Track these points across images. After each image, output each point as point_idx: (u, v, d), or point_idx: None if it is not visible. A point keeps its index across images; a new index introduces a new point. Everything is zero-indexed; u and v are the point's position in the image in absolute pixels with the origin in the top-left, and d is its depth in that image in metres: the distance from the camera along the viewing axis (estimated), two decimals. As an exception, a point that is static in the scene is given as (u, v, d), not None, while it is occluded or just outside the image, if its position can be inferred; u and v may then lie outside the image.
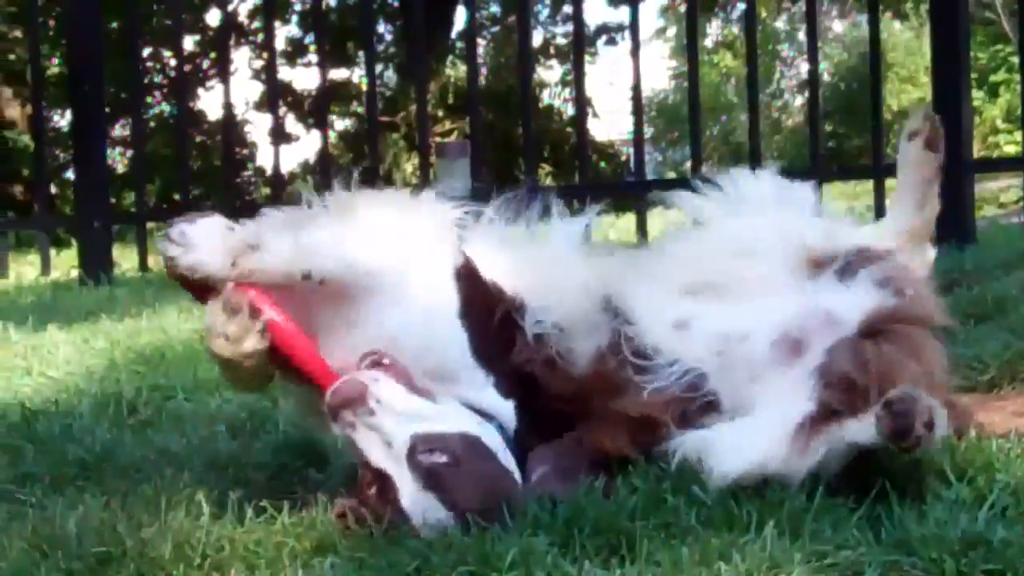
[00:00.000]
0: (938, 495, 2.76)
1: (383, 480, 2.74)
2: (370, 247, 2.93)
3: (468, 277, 3.02)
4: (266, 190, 22.17)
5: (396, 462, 2.74)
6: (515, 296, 3.06)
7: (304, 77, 25.10)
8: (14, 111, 20.62)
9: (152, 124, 22.70)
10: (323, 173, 9.79)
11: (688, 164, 26.83)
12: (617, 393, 3.02)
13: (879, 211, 7.54)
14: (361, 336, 2.92)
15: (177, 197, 18.23)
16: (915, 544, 2.49)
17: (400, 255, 2.96)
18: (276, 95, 10.55)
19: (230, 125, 9.86)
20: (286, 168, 25.35)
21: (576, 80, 8.52)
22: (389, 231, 2.98)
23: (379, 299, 2.91)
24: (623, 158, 24.89)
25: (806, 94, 27.35)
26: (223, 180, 10.71)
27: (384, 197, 3.09)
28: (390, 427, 2.74)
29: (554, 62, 26.79)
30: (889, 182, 8.04)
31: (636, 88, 8.14)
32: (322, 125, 9.82)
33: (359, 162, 22.04)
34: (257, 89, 23.98)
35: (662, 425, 2.96)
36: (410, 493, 2.71)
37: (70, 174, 19.81)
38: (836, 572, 2.44)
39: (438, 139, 20.93)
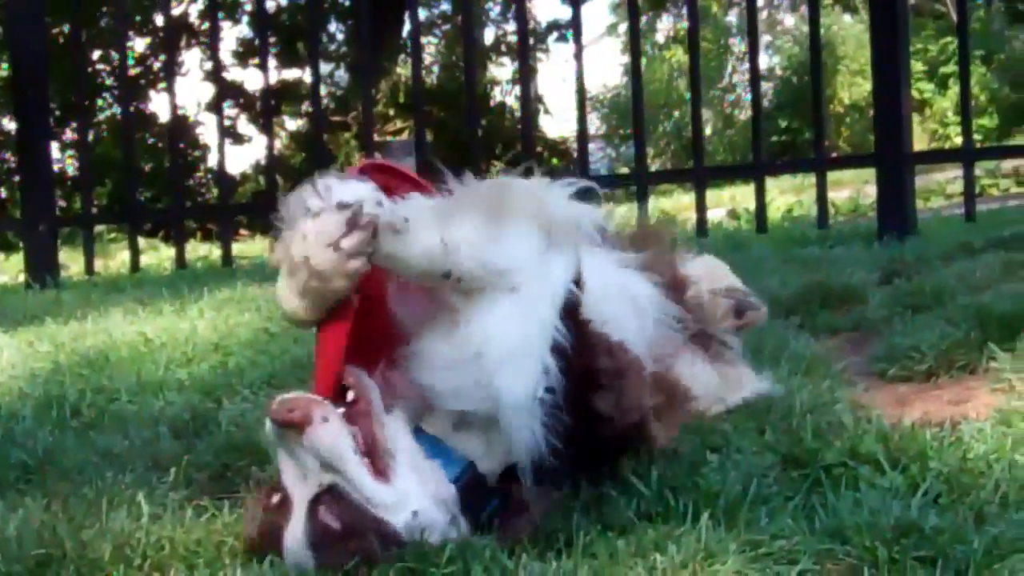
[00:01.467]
0: (872, 484, 2.78)
1: (285, 502, 2.65)
2: (509, 248, 2.74)
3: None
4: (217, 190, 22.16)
5: (300, 498, 2.63)
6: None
7: (256, 78, 25.00)
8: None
9: (104, 126, 22.63)
10: (270, 174, 9.76)
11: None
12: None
13: (821, 202, 7.59)
14: (459, 334, 2.74)
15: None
16: (848, 532, 2.51)
17: (531, 259, 2.77)
18: (223, 96, 10.51)
19: (179, 126, 9.83)
20: (239, 169, 25.45)
21: (522, 76, 8.54)
22: (528, 232, 2.78)
23: (489, 300, 2.73)
24: (575, 154, 24.95)
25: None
26: (172, 182, 10.66)
27: (526, 190, 2.83)
28: (311, 464, 2.62)
29: (506, 59, 26.82)
30: (832, 175, 8.11)
31: (579, 80, 8.16)
32: (268, 126, 9.77)
33: (311, 162, 22.02)
34: (209, 90, 23.95)
35: None
36: (294, 534, 2.60)
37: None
38: (771, 561, 2.45)
39: (389, 138, 20.94)
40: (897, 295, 4.79)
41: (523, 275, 2.73)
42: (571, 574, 2.43)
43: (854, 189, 10.72)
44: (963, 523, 2.53)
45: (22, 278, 9.19)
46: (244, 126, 24.52)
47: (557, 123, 26.57)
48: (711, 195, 8.39)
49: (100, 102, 22.96)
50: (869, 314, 4.58)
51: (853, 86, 28.35)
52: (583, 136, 8.32)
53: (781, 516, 2.63)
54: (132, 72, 21.69)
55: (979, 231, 6.36)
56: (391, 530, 2.58)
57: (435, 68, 27.14)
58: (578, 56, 8.19)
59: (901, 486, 2.76)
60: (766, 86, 28.67)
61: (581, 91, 8.24)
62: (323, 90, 21.91)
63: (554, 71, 37.23)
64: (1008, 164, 14.36)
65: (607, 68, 35.65)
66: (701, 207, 7.90)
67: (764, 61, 29.41)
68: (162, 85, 22.95)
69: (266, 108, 10.53)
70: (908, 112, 7.13)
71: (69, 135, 21.03)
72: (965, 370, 3.81)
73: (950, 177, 11.85)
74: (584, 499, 2.81)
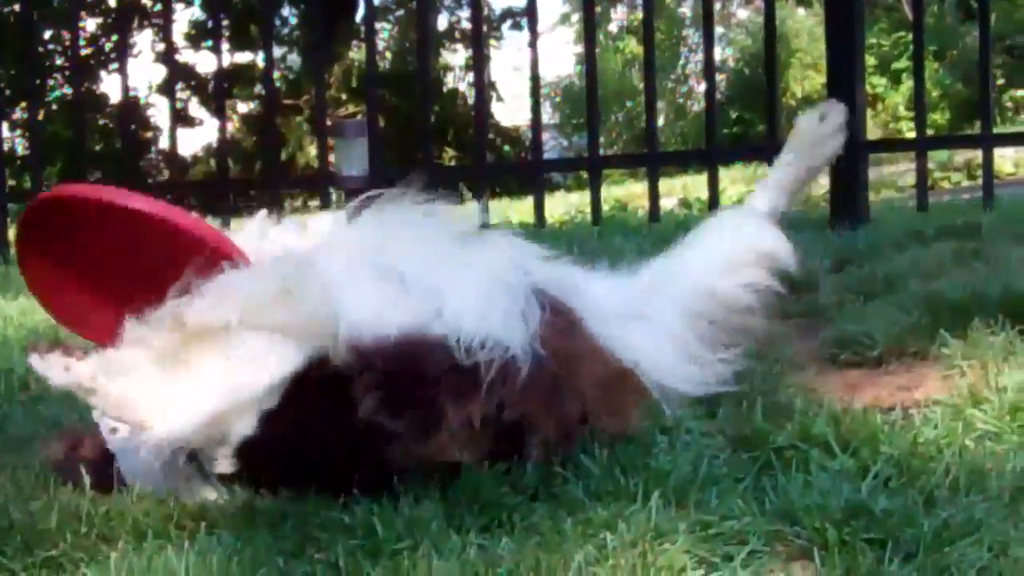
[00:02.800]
0: (823, 466, 2.79)
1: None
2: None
3: None
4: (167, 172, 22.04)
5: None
6: None
7: (207, 60, 24.91)
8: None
9: (54, 107, 22.49)
10: (222, 157, 9.73)
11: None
12: None
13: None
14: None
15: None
16: (799, 513, 2.51)
17: None
18: (175, 78, 10.43)
19: (130, 107, 9.77)
20: (189, 152, 25.37)
21: (475, 63, 8.52)
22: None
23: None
24: (527, 142, 24.97)
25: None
26: (123, 162, 10.60)
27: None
28: None
29: (459, 46, 26.80)
30: (785, 163, 8.13)
31: (534, 64, 8.17)
32: (221, 108, 9.72)
33: (262, 145, 21.94)
34: (161, 72, 23.78)
35: None
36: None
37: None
38: (721, 542, 2.45)
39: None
40: (849, 282, 4.80)
41: None
42: (517, 552, 2.43)
43: (806, 179, 10.75)
44: (913, 506, 2.54)
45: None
46: (195, 109, 24.43)
47: (509, 111, 26.57)
48: (663, 184, 8.39)
49: (51, 82, 22.82)
50: (821, 300, 4.59)
51: (806, 79, 28.52)
52: (537, 122, 8.30)
53: (731, 497, 2.64)
54: (83, 53, 21.62)
55: (931, 221, 6.38)
56: None
57: (388, 54, 27.12)
58: (533, 44, 8.18)
59: (851, 469, 2.77)
60: (719, 78, 28.75)
61: (535, 77, 8.23)
62: (275, 74, 21.93)
63: (507, 59, 37.14)
64: (960, 158, 14.46)
65: (560, 57, 35.65)
66: (654, 193, 7.88)
67: (717, 53, 29.45)
68: (113, 66, 22.88)
69: (219, 90, 10.47)
70: (863, 101, 7.15)
71: (18, 114, 20.86)
72: (916, 356, 3.81)
73: (901, 170, 11.93)
74: (531, 476, 2.81)
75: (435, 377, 2.79)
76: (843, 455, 2.85)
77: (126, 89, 9.30)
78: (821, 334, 4.13)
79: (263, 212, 3.21)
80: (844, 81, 7.00)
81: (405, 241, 3.07)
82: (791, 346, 3.96)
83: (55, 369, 2.75)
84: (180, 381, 2.72)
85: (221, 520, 2.71)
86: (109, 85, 24.12)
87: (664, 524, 2.48)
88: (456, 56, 27.12)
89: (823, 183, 10.41)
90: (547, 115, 31.17)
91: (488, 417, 2.80)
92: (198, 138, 25.73)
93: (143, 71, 27.96)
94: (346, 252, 3.05)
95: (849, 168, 6.97)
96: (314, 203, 18.25)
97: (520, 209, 11.18)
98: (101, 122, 22.77)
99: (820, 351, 3.98)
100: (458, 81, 26.90)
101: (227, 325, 2.72)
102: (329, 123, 9.50)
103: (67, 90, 22.92)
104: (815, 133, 3.71)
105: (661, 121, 29.76)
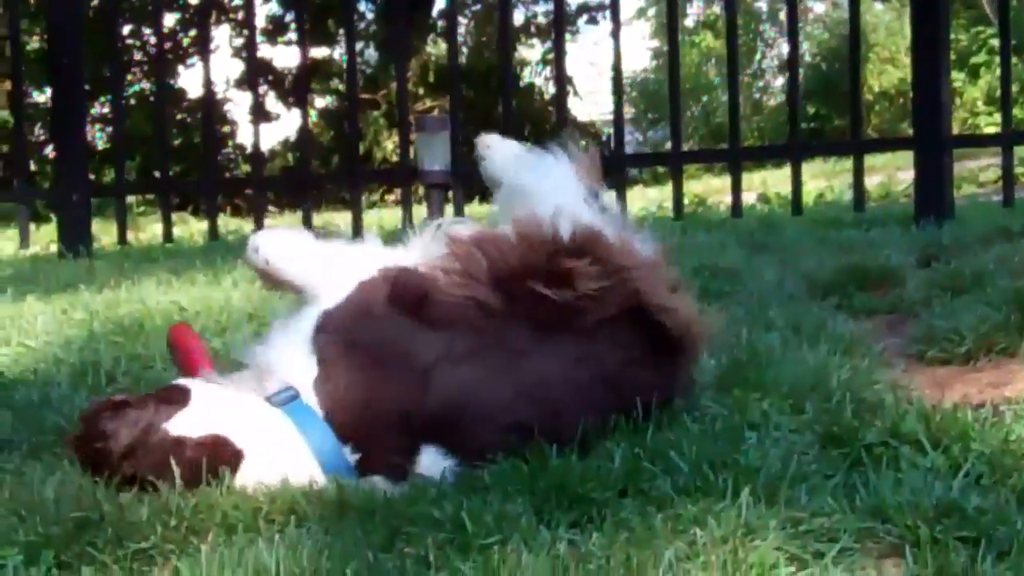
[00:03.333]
0: (914, 464, 2.78)
1: None
2: None
3: None
4: (246, 167, 22.17)
5: None
6: None
7: (284, 55, 25.03)
8: (-11, 87, 20.57)
9: (132, 102, 22.66)
10: (304, 150, 9.81)
11: (669, 145, 26.96)
12: None
13: (858, 185, 7.55)
14: None
15: (157, 174, 18.45)
16: (890, 511, 2.49)
17: None
18: (256, 73, 10.51)
19: (210, 102, 9.84)
20: (266, 146, 25.49)
21: (556, 52, 8.50)
22: None
23: None
24: (604, 137, 24.90)
25: (787, 74, 27.30)
26: (204, 158, 10.69)
27: None
28: None
29: (535, 41, 26.80)
30: (868, 159, 8.06)
31: (616, 56, 8.14)
32: (303, 103, 9.80)
33: (340, 140, 22.03)
34: (238, 67, 23.96)
35: None
36: None
37: (47, 152, 19.84)
38: (811, 538, 2.44)
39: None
40: (935, 278, 4.76)
41: None
42: (607, 548, 2.42)
43: (885, 175, 10.68)
44: (1006, 505, 2.52)
45: (53, 248, 9.22)
46: (272, 103, 24.55)
47: (584, 106, 26.52)
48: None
49: (128, 77, 22.97)
50: (907, 296, 4.56)
51: (883, 74, 28.28)
52: (619, 116, 8.28)
53: (821, 494, 2.62)
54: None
55: (1017, 216, 6.31)
56: None
57: (463, 49, 27.16)
58: (616, 35, 8.15)
59: (942, 467, 2.75)
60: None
61: (618, 71, 8.22)
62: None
63: (582, 54, 37.09)
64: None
65: (635, 52, 35.53)
66: (736, 188, 7.85)
67: (795, 47, 29.26)
68: (191, 61, 23.05)
69: (301, 85, 10.56)
70: (948, 95, 7.08)
71: (97, 109, 21.06)
72: (1005, 353, 3.79)
73: (982, 165, 11.80)
74: (618, 472, 2.81)
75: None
76: (934, 452, 2.82)
77: (209, 83, 9.40)
78: (908, 330, 4.10)
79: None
80: (929, 77, 6.95)
81: None
82: (879, 342, 3.93)
83: None
84: None
85: (310, 514, 2.72)
86: (186, 80, 24.30)
87: (754, 521, 2.46)
88: (532, 51, 27.14)
89: (902, 179, 10.40)
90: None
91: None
92: (274, 133, 25.87)
93: (220, 66, 28.16)
94: None
95: (934, 163, 6.92)
96: (390, 197, 18.40)
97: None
98: (178, 117, 22.91)
99: (907, 348, 3.96)
100: (535, 76, 26.91)
101: None
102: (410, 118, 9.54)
103: (144, 85, 23.15)
104: None
105: (738, 116, 29.61)
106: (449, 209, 7.87)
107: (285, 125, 25.90)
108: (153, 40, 22.53)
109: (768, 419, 3.15)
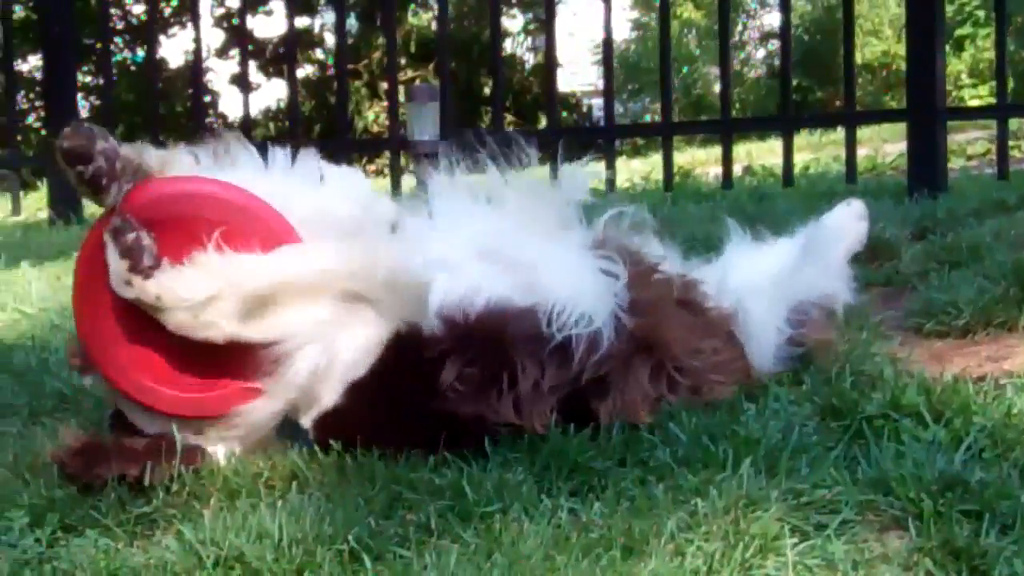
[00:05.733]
0: (915, 436, 2.77)
1: None
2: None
3: None
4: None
5: None
6: None
7: (264, 25, 24.92)
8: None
9: (113, 71, 22.59)
10: (292, 120, 9.81)
11: (647, 117, 26.77)
12: None
13: (850, 158, 7.53)
14: None
15: (142, 141, 18.36)
16: (892, 484, 2.49)
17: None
18: (244, 42, 10.51)
19: (198, 71, 9.83)
20: (242, 115, 25.27)
21: (548, 18, 8.46)
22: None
23: None
24: (584, 108, 24.89)
25: (769, 46, 27.06)
26: (193, 126, 10.67)
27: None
28: None
29: (516, 11, 26.72)
30: (861, 131, 8.03)
31: (607, 29, 8.12)
32: (291, 73, 9.77)
33: (321, 110, 21.97)
34: (218, 37, 23.84)
35: None
36: None
37: (30, 120, 19.76)
38: (813, 510, 2.44)
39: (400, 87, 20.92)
40: (931, 251, 4.74)
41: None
42: (609, 517, 2.42)
43: (872, 148, 10.66)
44: (1008, 478, 2.51)
45: (40, 216, 9.21)
46: (253, 74, 24.45)
47: (564, 76, 26.44)
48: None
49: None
50: (903, 269, 4.55)
51: (866, 46, 28.25)
52: (609, 88, 8.25)
53: (822, 466, 2.62)
54: (143, 17, 21.77)
55: (1012, 189, 6.30)
56: None
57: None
58: (607, 6, 8.12)
59: (944, 440, 2.74)
60: (777, 44, 28.55)
61: (608, 42, 8.20)
62: (334, 38, 21.93)
63: (561, 24, 36.95)
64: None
65: (615, 23, 35.45)
66: (727, 159, 7.83)
67: (776, 19, 29.25)
68: (171, 31, 22.96)
69: (288, 55, 10.53)
70: (943, 69, 7.05)
71: (81, 79, 20.98)
72: (1003, 327, 3.78)
73: (970, 138, 11.78)
74: (617, 441, 2.80)
75: (512, 343, 2.84)
76: (935, 425, 2.82)
77: (199, 53, 9.43)
78: (905, 303, 4.09)
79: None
80: (923, 47, 6.92)
81: (500, 214, 3.14)
82: (876, 315, 3.91)
83: (118, 279, 2.72)
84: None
85: (312, 480, 2.71)
86: (167, 50, 24.19)
87: (755, 492, 2.47)
88: (514, 22, 27.05)
89: (889, 152, 10.39)
90: (601, 81, 31.06)
91: (561, 384, 2.87)
92: (255, 103, 25.77)
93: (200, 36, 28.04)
94: (445, 226, 3.13)
95: (927, 136, 6.90)
96: (372, 167, 18.35)
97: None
98: (159, 86, 22.84)
99: (905, 321, 3.96)
100: (516, 46, 26.83)
101: (315, 285, 2.73)
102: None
103: (125, 55, 23.08)
104: (840, 220, 3.70)
105: (717, 88, 29.59)
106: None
107: (265, 95, 25.79)
108: (135, 10, 22.51)
109: (767, 390, 3.14)
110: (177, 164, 2.94)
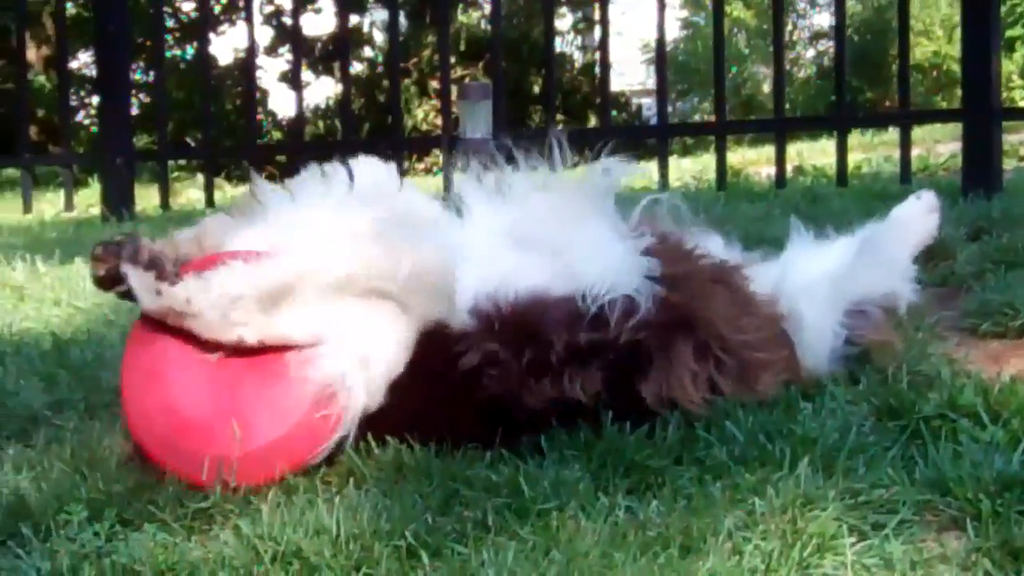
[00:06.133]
0: (973, 437, 2.76)
1: None
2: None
3: None
4: (277, 134, 22.22)
5: None
6: None
7: (313, 23, 24.98)
8: (29, 53, 20.58)
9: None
10: (344, 117, 9.84)
11: (697, 117, 26.70)
12: None
13: (904, 157, 7.49)
14: None
15: (190, 139, 18.45)
16: (950, 484, 2.48)
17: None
18: (298, 40, 10.55)
19: (250, 69, 9.88)
20: (295, 113, 25.36)
21: (602, 17, 8.44)
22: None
23: None
24: (633, 108, 24.83)
25: (819, 45, 26.87)
26: (245, 124, 10.74)
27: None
28: None
29: (565, 9, 26.71)
30: (916, 131, 7.97)
31: (660, 29, 8.11)
32: (344, 70, 9.81)
33: (371, 108, 22.00)
34: (267, 35, 23.92)
35: None
36: None
37: (80, 117, 19.86)
38: (870, 510, 2.44)
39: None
40: (986, 251, 4.71)
41: None
42: (666, 516, 2.42)
43: (924, 148, 10.59)
44: (1068, 480, 2.49)
45: (92, 212, 9.26)
46: (302, 71, 24.45)
47: (613, 76, 26.45)
48: (773, 150, 8.30)
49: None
50: (958, 270, 4.52)
51: (917, 46, 28.11)
52: (662, 87, 8.22)
53: (880, 466, 2.62)
54: (193, 15, 21.87)
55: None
56: None
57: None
58: (661, 7, 8.11)
59: (1002, 440, 2.73)
60: (826, 45, 28.46)
61: (661, 42, 8.18)
62: (383, 37, 21.96)
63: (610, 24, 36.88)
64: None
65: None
66: (780, 158, 7.80)
67: (826, 19, 29.15)
68: (221, 28, 23.06)
69: (341, 52, 10.57)
70: (998, 68, 7.00)
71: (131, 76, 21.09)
72: (1061, 329, 3.77)
73: (1023, 139, 11.70)
74: (673, 439, 2.81)
75: (549, 327, 2.85)
76: (993, 426, 2.80)
77: (251, 50, 9.49)
78: (961, 304, 4.07)
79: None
80: (980, 50, 6.87)
81: (534, 203, 3.14)
82: (932, 315, 3.89)
83: (146, 292, 2.76)
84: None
85: (368, 476, 2.72)
86: (216, 47, 24.29)
87: (813, 491, 2.46)
88: (563, 21, 27.03)
89: (941, 152, 10.33)
90: (651, 81, 30.98)
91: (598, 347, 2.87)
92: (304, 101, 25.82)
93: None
94: (478, 217, 3.13)
95: (983, 136, 6.85)
96: (421, 165, 18.36)
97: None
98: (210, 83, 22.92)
99: (960, 321, 3.93)
100: (565, 45, 26.79)
101: (338, 283, 2.75)
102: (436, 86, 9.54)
103: (175, 52, 23.19)
104: (910, 214, 3.67)
105: (767, 88, 29.47)
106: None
107: (314, 93, 25.85)
108: (184, 7, 22.59)
109: (823, 389, 3.13)
110: (211, 231, 3.00)
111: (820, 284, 3.34)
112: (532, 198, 3.15)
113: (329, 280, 2.76)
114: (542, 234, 3.05)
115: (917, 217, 3.73)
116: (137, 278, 2.76)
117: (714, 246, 3.39)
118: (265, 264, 2.76)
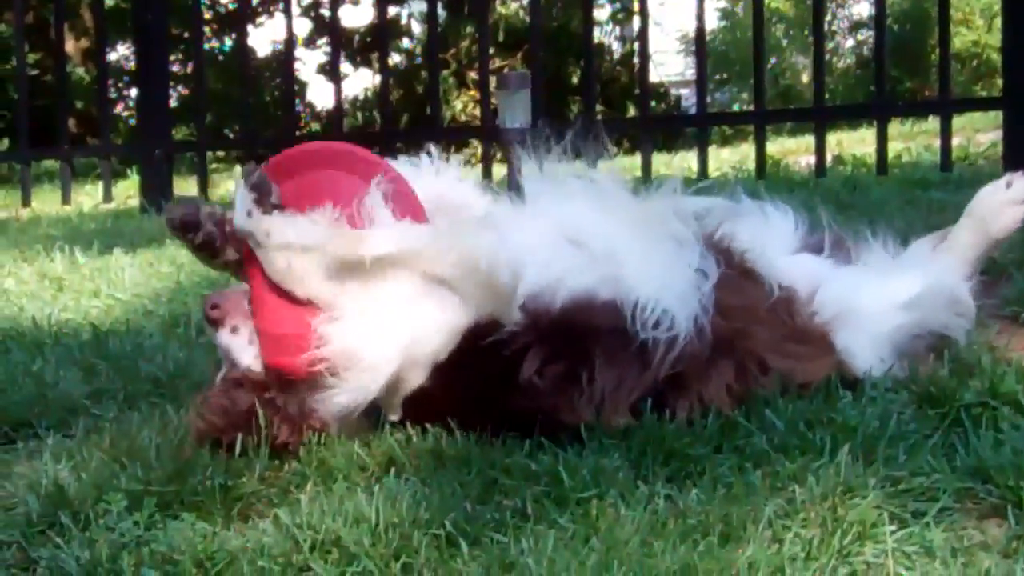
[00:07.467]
0: (1014, 424, 2.75)
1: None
2: None
3: None
4: (315, 125, 22.27)
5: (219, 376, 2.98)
6: None
7: (350, 15, 25.02)
8: (68, 45, 20.66)
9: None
10: (383, 109, 9.88)
11: (736, 107, 26.63)
12: None
13: (945, 146, 7.45)
14: None
15: (228, 131, 18.50)
16: (991, 471, 2.47)
17: None
18: (336, 32, 10.54)
19: (289, 61, 9.91)
20: (334, 104, 25.40)
21: (641, 7, 8.43)
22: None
23: None
24: (672, 98, 24.77)
25: (858, 36, 26.73)
26: (284, 115, 10.78)
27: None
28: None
29: (604, 0, 26.67)
30: (956, 120, 7.92)
31: (700, 19, 8.10)
32: (383, 62, 9.83)
33: (409, 99, 22.03)
34: (305, 26, 23.96)
35: None
36: None
37: (119, 109, 19.94)
38: (911, 498, 2.43)
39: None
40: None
41: None
42: (706, 504, 2.42)
43: (963, 137, 10.53)
44: (1110, 468, 2.47)
45: (131, 203, 9.29)
46: (340, 63, 24.48)
47: (651, 67, 26.41)
48: (812, 140, 8.28)
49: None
50: (999, 258, 4.49)
51: (957, 36, 27.96)
52: (702, 77, 8.23)
53: (920, 453, 2.61)
54: (231, 7, 21.94)
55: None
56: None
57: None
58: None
59: (1043, 428, 2.71)
60: (865, 35, 28.34)
61: (701, 32, 8.18)
62: (421, 28, 21.98)
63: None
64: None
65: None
66: (820, 147, 7.80)
67: (865, 9, 29.03)
68: (259, 20, 23.11)
69: (381, 43, 10.58)
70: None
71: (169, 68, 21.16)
72: (1103, 317, 3.74)
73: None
74: (713, 428, 2.80)
75: (595, 339, 2.84)
76: (1034, 415, 2.78)
77: (290, 42, 9.53)
78: (1002, 292, 4.04)
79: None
80: (1020, 39, 6.86)
81: (588, 205, 3.13)
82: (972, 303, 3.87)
83: (242, 209, 2.85)
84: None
85: (408, 465, 2.73)
86: (254, 39, 24.34)
87: (853, 479, 2.46)
88: (601, 11, 26.99)
89: (981, 141, 10.27)
90: (690, 71, 30.87)
91: (640, 387, 2.86)
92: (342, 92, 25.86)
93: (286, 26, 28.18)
94: (533, 216, 3.11)
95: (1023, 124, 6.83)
96: (459, 156, 18.44)
97: (664, 163, 11.06)
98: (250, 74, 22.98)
99: (1002, 309, 3.91)
100: (604, 36, 26.75)
101: (405, 260, 2.79)
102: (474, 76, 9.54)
103: (213, 44, 23.27)
104: (997, 202, 3.58)
105: (805, 78, 29.36)
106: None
107: (352, 84, 25.90)
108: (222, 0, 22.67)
109: (863, 378, 3.12)
110: None
111: (874, 312, 3.26)
112: (590, 195, 3.15)
113: (396, 263, 2.81)
114: (598, 235, 3.04)
115: (998, 210, 3.61)
116: (240, 192, 2.85)
117: (785, 226, 3.48)
118: (344, 231, 2.82)
